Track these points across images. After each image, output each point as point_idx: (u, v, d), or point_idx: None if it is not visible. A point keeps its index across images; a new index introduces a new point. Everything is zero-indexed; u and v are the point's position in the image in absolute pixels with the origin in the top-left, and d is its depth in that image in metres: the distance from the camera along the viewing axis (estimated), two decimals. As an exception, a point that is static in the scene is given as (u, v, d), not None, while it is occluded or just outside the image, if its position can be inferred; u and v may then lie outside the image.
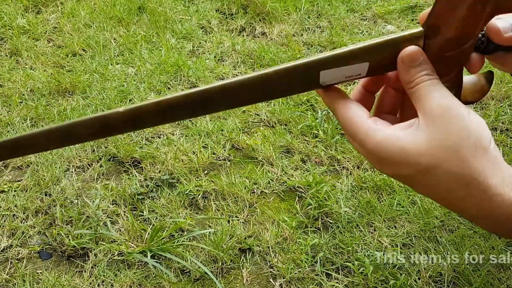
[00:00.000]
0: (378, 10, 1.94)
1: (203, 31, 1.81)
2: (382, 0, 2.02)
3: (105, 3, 1.83)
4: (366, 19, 1.92)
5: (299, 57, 1.71)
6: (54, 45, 1.67)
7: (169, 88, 1.53)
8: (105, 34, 1.70)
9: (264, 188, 1.27)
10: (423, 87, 0.34)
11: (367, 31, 1.84)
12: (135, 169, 1.29)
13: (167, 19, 1.80)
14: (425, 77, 0.35)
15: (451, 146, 0.31)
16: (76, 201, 1.18)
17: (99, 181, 1.25)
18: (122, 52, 1.64)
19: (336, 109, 0.37)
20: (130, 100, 1.47)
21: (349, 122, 0.35)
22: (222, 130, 1.41)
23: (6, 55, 1.60)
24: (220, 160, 1.34)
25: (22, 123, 1.35)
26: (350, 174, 1.32)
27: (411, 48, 0.35)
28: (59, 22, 1.75)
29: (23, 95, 1.45)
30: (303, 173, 1.32)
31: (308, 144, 1.40)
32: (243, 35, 1.81)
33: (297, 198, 1.25)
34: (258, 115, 1.50)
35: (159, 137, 1.38)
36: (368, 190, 1.26)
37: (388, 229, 1.17)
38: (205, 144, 1.37)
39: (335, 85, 0.38)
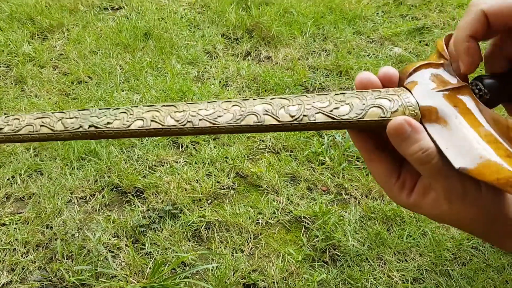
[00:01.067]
0: (385, 32, 1.92)
1: (208, 56, 1.81)
2: (389, 22, 2.01)
3: (111, 30, 1.84)
4: (372, 41, 1.90)
5: (304, 81, 1.69)
6: (59, 72, 1.67)
7: (173, 114, 1.52)
8: (111, 61, 1.70)
9: (269, 218, 1.24)
10: (423, 170, 0.34)
11: (373, 54, 1.82)
12: (137, 199, 1.27)
13: (173, 45, 1.80)
14: (419, 155, 0.33)
15: (473, 217, 0.34)
16: (77, 234, 1.16)
17: (101, 213, 1.23)
18: (127, 79, 1.64)
19: (367, 161, 0.39)
20: (134, 128, 1.45)
21: (378, 180, 0.38)
22: (226, 158, 1.39)
23: (11, 83, 1.61)
24: (224, 188, 1.31)
25: (25, 153, 1.34)
26: (358, 203, 1.28)
27: (395, 122, 0.34)
28: (65, 49, 1.76)
29: (28, 123, 1.45)
30: (310, 202, 1.28)
31: (314, 172, 1.37)
32: (248, 60, 1.80)
33: (303, 229, 1.21)
34: (263, 141, 1.47)
35: (163, 165, 1.36)
36: (377, 221, 1.22)
37: (399, 262, 1.13)
38: (209, 172, 1.35)
39: (364, 134, 0.40)
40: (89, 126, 0.39)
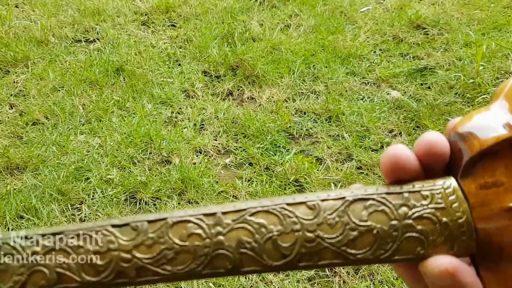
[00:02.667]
0: (382, 73, 1.74)
1: (185, 95, 1.64)
2: (387, 62, 1.83)
3: (80, 65, 1.69)
4: (368, 83, 1.72)
5: (289, 126, 1.50)
6: (16, 111, 1.50)
7: (135, 163, 1.33)
8: (74, 99, 1.53)
9: (234, 300, 1.02)
10: None
11: (368, 97, 1.64)
12: None
13: (147, 82, 1.63)
14: None
15: None
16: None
17: None
18: (89, 120, 1.46)
19: (393, 265, 0.30)
20: (87, 179, 1.26)
21: (404, 280, 0.30)
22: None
23: (-40, 123, 1.44)
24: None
25: (-47, 209, 1.15)
26: (344, 283, 1.06)
27: (435, 268, 0.24)
28: (26, 85, 1.59)
29: (-34, 172, 1.27)
30: (285, 279, 1.06)
31: (293, 239, 1.16)
32: (229, 100, 1.62)
33: (274, 315, 0.99)
34: (236, 197, 1.27)
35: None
36: (365, 308, 1.00)
37: None
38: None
39: None
40: None
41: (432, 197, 0.25)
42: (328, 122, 1.52)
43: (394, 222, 0.25)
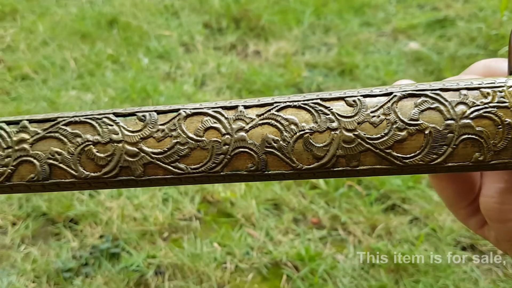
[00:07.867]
0: (399, 25, 1.60)
1: (184, 49, 1.52)
2: (405, 13, 1.69)
3: (72, 17, 1.56)
4: (384, 35, 1.58)
5: (298, 81, 1.38)
6: (4, 66, 1.40)
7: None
8: (64, 53, 1.42)
9: (241, 261, 0.94)
10: None
11: (384, 50, 1.51)
12: (71, 231, 0.98)
13: (142, 35, 1.51)
14: None
15: None
16: (-19, 279, 0.88)
17: (22, 247, 0.95)
18: (81, 75, 1.36)
19: (430, 176, 0.28)
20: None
21: (442, 198, 0.29)
22: (191, 178, 1.09)
23: None
24: (185, 219, 1.02)
25: None
26: (359, 243, 0.98)
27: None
28: (15, 39, 1.48)
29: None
30: (295, 239, 0.98)
31: (303, 198, 1.07)
32: (233, 54, 1.50)
33: (284, 277, 0.91)
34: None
35: (109, 187, 1.07)
36: (383, 269, 0.91)
37: (411, 334, 0.82)
38: (168, 196, 1.06)
39: None
40: None
41: (494, 94, 0.22)
42: (341, 76, 1.40)
43: (450, 121, 0.22)
